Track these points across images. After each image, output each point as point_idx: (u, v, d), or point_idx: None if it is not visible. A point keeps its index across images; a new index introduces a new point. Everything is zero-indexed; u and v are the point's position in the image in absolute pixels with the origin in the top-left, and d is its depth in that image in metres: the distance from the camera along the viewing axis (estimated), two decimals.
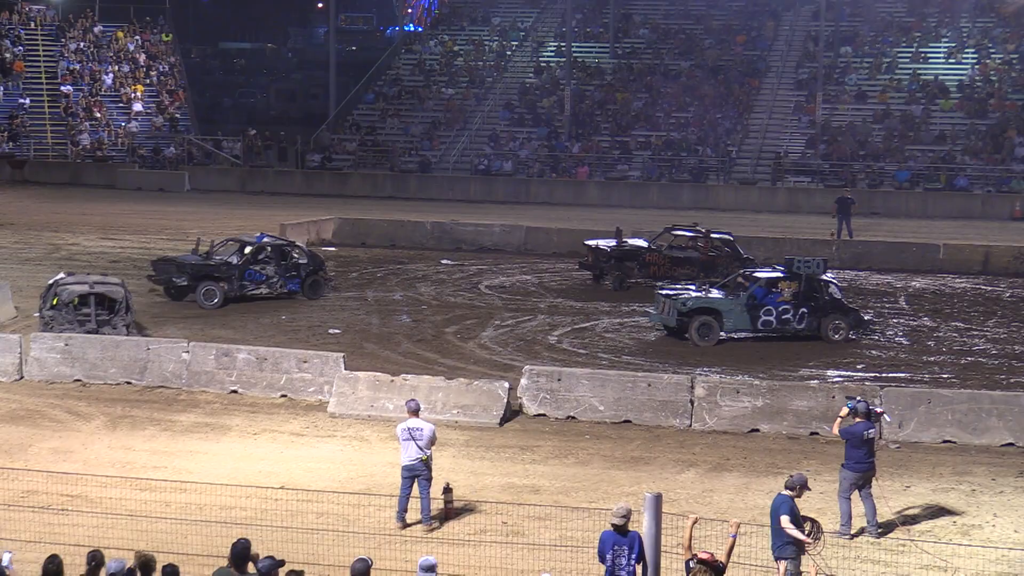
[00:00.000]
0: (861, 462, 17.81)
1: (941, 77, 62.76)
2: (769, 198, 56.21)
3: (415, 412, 18.09)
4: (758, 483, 19.88)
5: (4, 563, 13.06)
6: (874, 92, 62.77)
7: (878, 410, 18.77)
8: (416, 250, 42.70)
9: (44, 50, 67.90)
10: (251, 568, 13.13)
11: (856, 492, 17.86)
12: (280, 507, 18.04)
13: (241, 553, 13.16)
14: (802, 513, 15.60)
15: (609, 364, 27.51)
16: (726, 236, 36.96)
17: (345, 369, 24.29)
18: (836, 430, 18.33)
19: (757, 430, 22.85)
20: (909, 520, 18.55)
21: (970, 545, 17.26)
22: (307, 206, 51.14)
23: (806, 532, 15.19)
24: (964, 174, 56.82)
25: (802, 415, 22.77)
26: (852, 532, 17.81)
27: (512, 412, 23.50)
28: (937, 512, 18.98)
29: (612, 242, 37.19)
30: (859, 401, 18.36)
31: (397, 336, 30.20)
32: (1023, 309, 35.17)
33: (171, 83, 68.48)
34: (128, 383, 25.09)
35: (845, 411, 18.26)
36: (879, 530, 17.91)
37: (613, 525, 13.88)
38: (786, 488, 15.62)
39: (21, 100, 64.86)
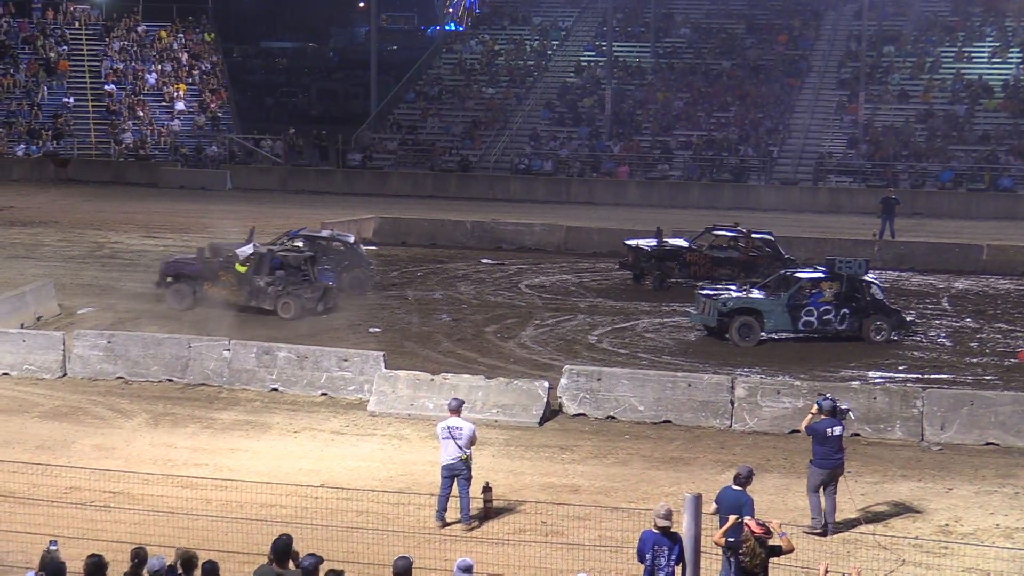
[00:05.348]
0: (827, 458, 17.89)
1: (985, 77, 62.28)
2: (811, 198, 55.87)
3: (455, 411, 18.09)
4: (799, 484, 19.73)
5: (55, 550, 13.19)
6: (917, 92, 62.35)
7: (844, 407, 18.80)
8: (456, 249, 42.74)
9: (88, 49, 68.39)
10: (292, 565, 13.18)
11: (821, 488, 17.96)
12: (320, 505, 18.10)
13: (283, 549, 13.20)
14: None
15: (649, 364, 27.46)
16: (767, 236, 36.80)
17: (385, 368, 24.34)
18: (803, 427, 18.47)
19: (798, 431, 22.66)
20: (952, 522, 18.48)
21: (1013, 548, 17.15)
22: (348, 205, 51.28)
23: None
24: (1008, 174, 56.33)
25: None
26: (823, 526, 17.84)
27: (552, 412, 23.50)
28: (980, 515, 18.86)
29: (653, 242, 37.10)
30: (826, 399, 18.48)
31: (437, 335, 30.24)
32: None
33: (213, 82, 68.84)
34: (170, 381, 25.24)
35: (815, 408, 18.34)
36: (835, 527, 17.93)
37: (656, 526, 13.84)
38: (736, 484, 15.59)
39: (65, 99, 65.34)
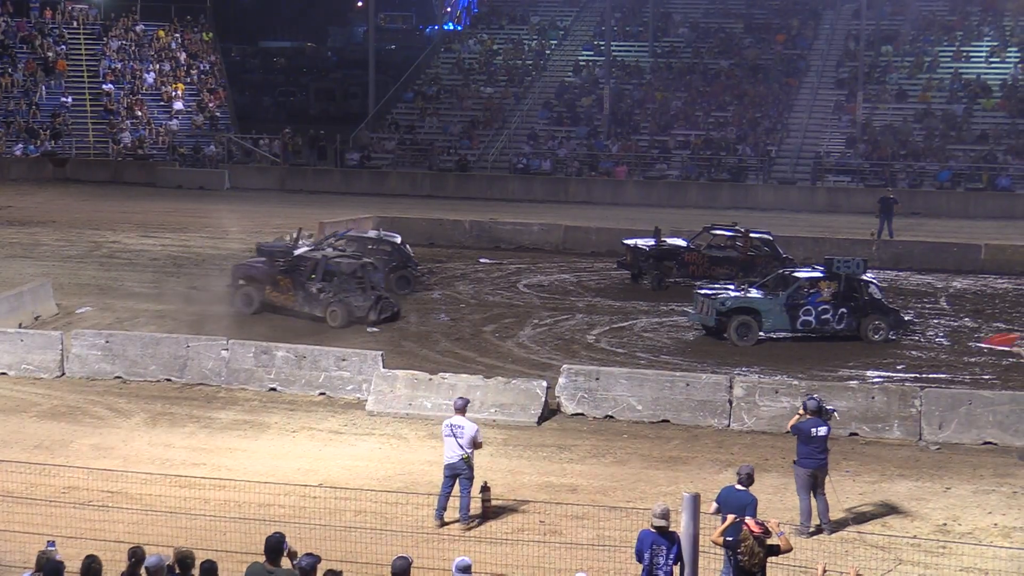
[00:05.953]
0: (811, 458, 17.93)
1: (983, 76, 62.26)
2: (809, 198, 55.83)
3: (460, 410, 18.09)
4: None
5: (52, 550, 13.18)
6: (915, 91, 62.33)
7: (829, 408, 18.84)
8: (454, 249, 42.72)
9: (86, 49, 68.35)
10: (284, 563, 13.16)
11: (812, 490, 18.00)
12: (318, 505, 18.09)
13: (274, 546, 13.17)
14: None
15: (647, 364, 27.46)
16: (765, 236, 36.81)
17: (383, 367, 24.34)
18: (789, 426, 18.56)
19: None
20: (950, 521, 18.48)
21: (1011, 548, 17.15)
22: (346, 204, 51.22)
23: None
24: (1006, 174, 56.30)
25: (841, 416, 22.52)
26: (811, 529, 17.87)
27: (550, 411, 23.51)
28: (978, 514, 18.86)
29: (651, 241, 37.09)
30: (811, 398, 18.56)
31: (435, 334, 30.24)
32: None
33: (211, 82, 68.82)
34: (168, 380, 25.24)
35: (801, 409, 18.39)
36: (831, 527, 17.97)
37: (654, 526, 13.85)
38: (740, 484, 15.58)
39: (63, 99, 65.27)
